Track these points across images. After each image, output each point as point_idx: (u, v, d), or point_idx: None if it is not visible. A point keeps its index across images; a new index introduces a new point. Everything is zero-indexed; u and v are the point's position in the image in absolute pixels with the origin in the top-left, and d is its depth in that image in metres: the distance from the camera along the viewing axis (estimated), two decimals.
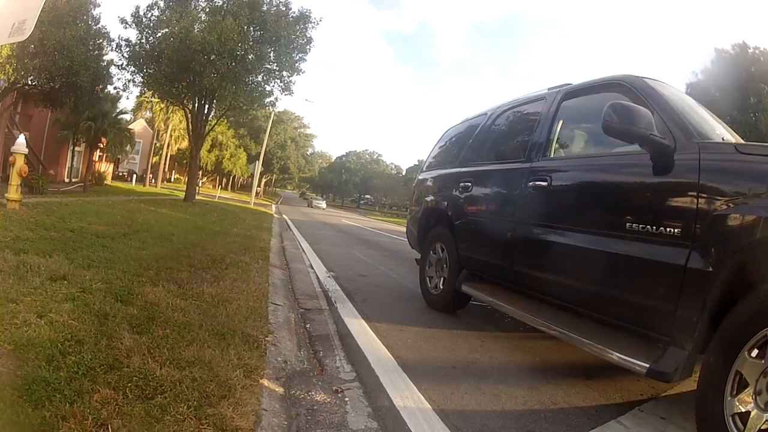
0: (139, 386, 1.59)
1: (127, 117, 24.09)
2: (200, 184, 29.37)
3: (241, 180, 55.22)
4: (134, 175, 32.37)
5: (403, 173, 69.40)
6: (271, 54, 15.83)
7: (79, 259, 3.32)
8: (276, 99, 17.45)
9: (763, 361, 1.45)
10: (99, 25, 14.19)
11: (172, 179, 42.07)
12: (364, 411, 1.89)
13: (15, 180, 5.83)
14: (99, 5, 14.05)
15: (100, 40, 14.17)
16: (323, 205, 44.54)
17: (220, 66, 14.38)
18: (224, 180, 47.03)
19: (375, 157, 76.29)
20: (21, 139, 6.17)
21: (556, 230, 2.51)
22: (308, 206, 42.36)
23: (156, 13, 15.21)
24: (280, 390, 1.93)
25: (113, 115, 18.50)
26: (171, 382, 1.65)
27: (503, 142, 3.66)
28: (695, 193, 1.77)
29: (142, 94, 20.24)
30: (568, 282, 2.41)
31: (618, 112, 1.96)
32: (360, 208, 70.56)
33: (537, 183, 2.67)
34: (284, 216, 19.03)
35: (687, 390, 2.28)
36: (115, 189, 19.86)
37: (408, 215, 5.27)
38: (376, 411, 1.90)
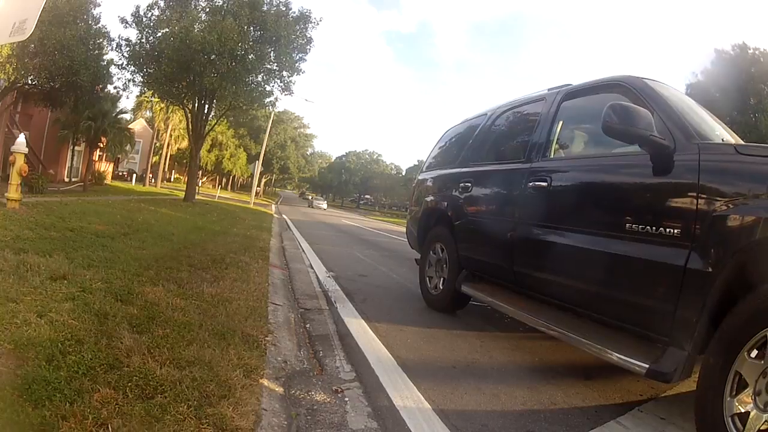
0: (139, 386, 1.59)
1: (127, 117, 24.10)
2: (200, 184, 29.39)
3: (240, 180, 55.20)
4: (134, 175, 32.37)
5: (403, 173, 69.42)
6: (271, 54, 15.83)
7: (79, 258, 3.32)
8: (276, 99, 17.50)
9: (762, 362, 1.45)
10: (99, 25, 14.22)
11: (172, 179, 42.08)
12: (364, 411, 1.89)
13: (15, 179, 5.82)
14: (99, 5, 14.10)
15: (101, 40, 14.19)
16: (324, 205, 44.25)
17: (220, 66, 14.38)
18: (224, 180, 47.03)
19: (375, 157, 76.34)
20: (21, 139, 6.17)
21: (556, 231, 2.51)
22: (309, 206, 42.02)
23: (156, 12, 15.23)
24: (280, 390, 1.93)
25: (113, 114, 18.52)
26: (171, 381, 1.65)
27: (503, 142, 3.67)
28: (695, 194, 1.77)
29: (142, 93, 20.29)
30: (567, 282, 2.41)
31: (618, 113, 1.97)
32: (360, 208, 70.52)
33: (537, 183, 2.67)
34: (284, 216, 19.03)
35: (686, 390, 2.28)
36: (115, 188, 19.85)
37: (408, 215, 5.27)
38: (375, 411, 1.90)
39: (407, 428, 1.78)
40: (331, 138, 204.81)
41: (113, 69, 15.31)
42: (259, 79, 16.32)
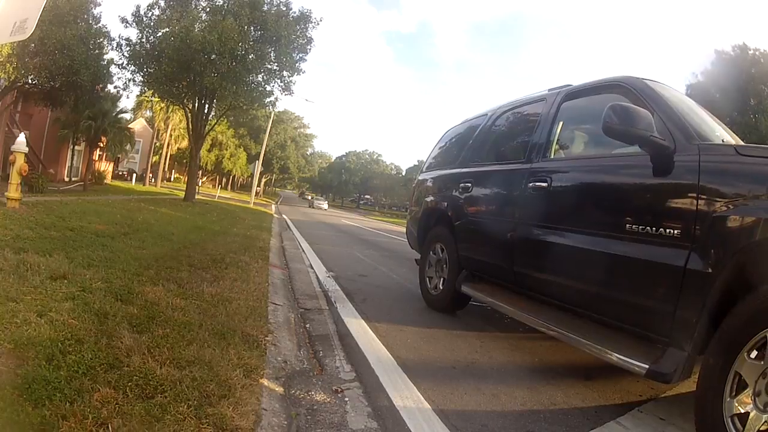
0: (140, 385, 1.59)
1: (127, 116, 24.09)
2: (200, 184, 29.37)
3: (240, 180, 55.21)
4: (134, 175, 32.38)
5: (403, 173, 69.43)
6: (272, 54, 15.83)
7: (79, 258, 3.32)
8: (276, 99, 17.52)
9: (762, 362, 1.45)
10: (99, 24, 14.23)
11: (172, 178, 42.08)
12: (364, 411, 1.89)
13: (15, 179, 5.82)
14: (99, 4, 14.11)
15: (101, 39, 14.19)
16: (325, 205, 43.91)
17: (220, 66, 14.39)
18: (224, 179, 47.02)
19: (375, 157, 76.36)
20: (21, 138, 6.18)
21: (556, 231, 2.51)
22: (309, 207, 41.71)
23: (156, 12, 15.24)
24: (279, 390, 1.93)
25: (113, 114, 18.52)
26: (171, 381, 1.65)
27: (503, 142, 3.67)
28: (695, 195, 1.77)
29: (142, 93, 20.31)
30: (567, 283, 2.41)
31: (618, 114, 1.97)
32: (359, 208, 70.51)
33: (537, 184, 2.67)
34: (284, 216, 19.04)
35: (686, 391, 2.28)
36: (115, 188, 19.86)
37: (408, 215, 5.27)
38: (375, 411, 1.90)
39: (407, 428, 1.78)
40: (331, 138, 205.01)
41: (113, 68, 15.36)
42: (260, 78, 16.33)
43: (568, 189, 2.59)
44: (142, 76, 15.72)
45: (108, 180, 22.68)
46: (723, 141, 2.38)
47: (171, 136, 30.30)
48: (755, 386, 1.46)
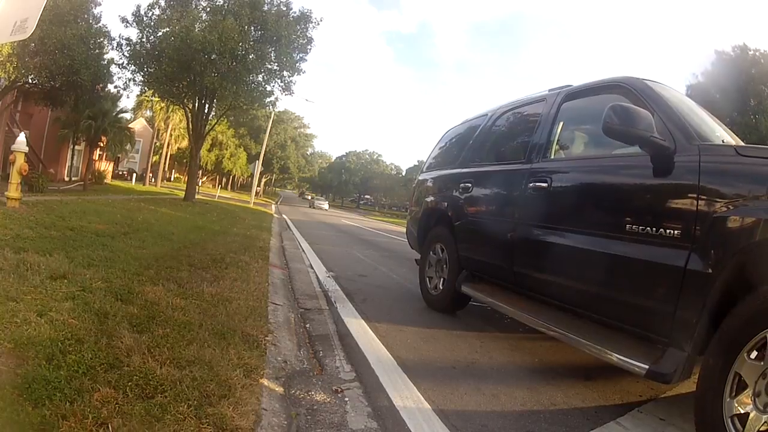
0: (140, 385, 1.59)
1: (128, 116, 24.07)
2: (200, 184, 29.39)
3: (240, 179, 55.19)
4: (134, 174, 32.37)
5: (403, 174, 69.41)
6: (272, 54, 15.83)
7: (79, 257, 3.32)
8: (276, 99, 17.53)
9: (762, 363, 1.45)
10: (100, 24, 14.23)
11: (172, 178, 42.07)
12: (364, 411, 1.89)
13: (15, 178, 5.83)
14: (100, 4, 14.10)
15: (101, 39, 14.19)
16: (326, 205, 43.44)
17: (220, 65, 14.40)
18: (224, 179, 47.01)
19: (375, 157, 76.37)
20: (21, 138, 6.18)
21: (556, 231, 2.52)
22: (310, 207, 41.30)
23: (157, 12, 15.23)
24: (279, 390, 1.93)
25: (113, 113, 18.51)
26: (171, 381, 1.65)
27: (503, 143, 3.67)
28: (695, 195, 1.77)
29: (142, 93, 20.31)
30: (567, 283, 2.41)
31: (618, 114, 1.97)
32: (359, 208, 70.48)
33: (537, 184, 2.68)
34: (284, 216, 19.04)
35: (686, 391, 2.28)
36: (115, 188, 19.85)
37: (408, 216, 5.27)
38: (375, 411, 1.90)
39: (407, 428, 1.78)
40: (331, 138, 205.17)
41: (114, 68, 15.35)
42: (260, 78, 16.33)
43: (568, 189, 2.59)
44: (143, 76, 15.72)
45: (108, 180, 22.68)
46: (723, 141, 2.38)
47: (171, 135, 30.29)
48: (755, 387, 1.46)
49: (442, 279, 3.79)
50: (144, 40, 15.10)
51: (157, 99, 22.39)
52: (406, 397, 2.06)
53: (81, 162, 21.04)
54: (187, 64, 14.16)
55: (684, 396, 2.28)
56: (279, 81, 16.66)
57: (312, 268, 5.65)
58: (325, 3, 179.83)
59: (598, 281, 2.17)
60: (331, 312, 3.54)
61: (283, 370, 2.15)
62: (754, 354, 1.48)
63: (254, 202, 25.07)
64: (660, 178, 1.96)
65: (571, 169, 2.65)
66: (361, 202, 79.62)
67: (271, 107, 19.34)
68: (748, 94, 20.04)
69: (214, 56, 14.18)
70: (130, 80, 15.82)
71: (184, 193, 18.25)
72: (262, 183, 56.25)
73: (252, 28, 15.34)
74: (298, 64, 16.39)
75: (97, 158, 21.77)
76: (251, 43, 15.23)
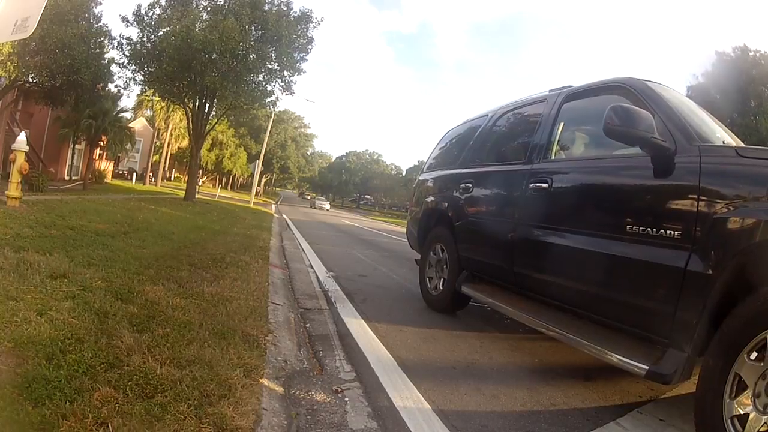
0: (140, 385, 1.59)
1: (128, 115, 24.09)
2: (200, 183, 29.39)
3: (241, 179, 55.21)
4: (134, 174, 32.39)
5: (403, 174, 69.40)
6: (272, 53, 15.85)
7: (79, 257, 3.32)
8: (277, 99, 17.56)
9: (762, 364, 1.45)
10: (100, 24, 14.26)
11: (172, 178, 42.08)
12: (364, 411, 1.89)
13: (15, 177, 5.83)
14: (100, 3, 14.13)
15: (102, 38, 14.21)
16: (327, 206, 42.78)
17: (221, 65, 14.40)
18: (224, 179, 47.01)
19: (375, 157, 76.42)
20: (21, 137, 6.18)
21: (556, 232, 2.51)
22: (311, 207, 40.81)
23: (157, 11, 15.26)
24: (280, 389, 1.93)
25: (114, 113, 18.53)
26: (171, 380, 1.65)
27: (504, 143, 3.67)
28: (695, 196, 1.77)
29: (142, 92, 20.34)
30: (568, 284, 2.41)
31: (619, 115, 1.97)
32: (359, 208, 70.46)
33: (538, 185, 2.67)
34: (284, 216, 19.04)
35: (686, 392, 2.28)
36: (115, 187, 19.86)
37: (408, 216, 5.27)
38: (375, 411, 1.90)
39: (407, 428, 1.78)
40: (331, 138, 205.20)
41: (114, 68, 15.39)
42: (260, 78, 16.36)
43: (568, 190, 2.59)
44: (143, 76, 15.74)
45: (108, 179, 22.70)
46: (723, 142, 2.38)
47: (171, 135, 30.31)
48: (755, 388, 1.46)
49: (442, 279, 3.79)
50: (144, 39, 15.13)
51: (157, 98, 22.42)
52: (406, 397, 2.06)
53: (81, 161, 21.06)
54: (188, 63, 14.17)
55: (684, 397, 2.28)
56: (279, 81, 16.70)
57: (312, 267, 5.65)
58: (326, 3, 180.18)
59: (599, 282, 2.16)
60: (331, 312, 3.54)
61: (283, 370, 2.15)
62: (754, 355, 1.48)
63: (254, 202, 25.07)
64: (660, 178, 1.96)
65: (572, 169, 2.64)
66: (361, 202, 79.63)
67: (271, 107, 19.38)
68: (749, 96, 20.06)
69: (214, 56, 14.19)
70: (130, 80, 15.89)
71: (184, 192, 18.26)
72: (262, 183, 56.23)
73: (252, 27, 15.36)
74: (298, 64, 16.44)
75: (97, 157, 21.77)
76: (252, 42, 15.24)
